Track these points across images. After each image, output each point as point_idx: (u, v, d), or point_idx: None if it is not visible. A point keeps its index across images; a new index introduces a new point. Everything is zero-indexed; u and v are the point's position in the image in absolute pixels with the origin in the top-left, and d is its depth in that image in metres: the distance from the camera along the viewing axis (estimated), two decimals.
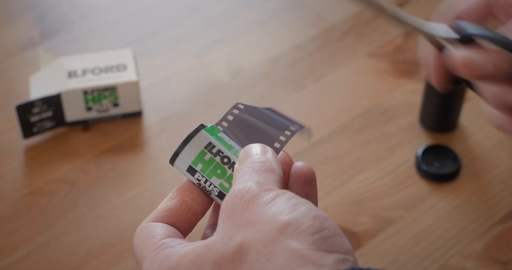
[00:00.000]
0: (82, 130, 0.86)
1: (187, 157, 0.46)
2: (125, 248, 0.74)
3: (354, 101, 0.88)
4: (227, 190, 0.45)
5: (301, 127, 0.47)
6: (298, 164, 0.46)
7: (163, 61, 0.94)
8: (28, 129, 0.83)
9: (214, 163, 0.45)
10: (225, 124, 0.47)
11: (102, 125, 0.86)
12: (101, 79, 0.84)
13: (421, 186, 0.79)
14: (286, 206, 0.38)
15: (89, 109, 0.85)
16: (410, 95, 0.89)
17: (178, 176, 0.80)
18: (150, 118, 0.87)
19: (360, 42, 0.96)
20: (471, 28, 0.54)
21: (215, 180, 0.45)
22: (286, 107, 0.88)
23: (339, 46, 0.95)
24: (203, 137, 0.46)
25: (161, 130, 0.86)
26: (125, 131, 0.86)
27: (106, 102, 0.85)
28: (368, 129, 0.85)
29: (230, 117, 0.47)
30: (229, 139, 0.47)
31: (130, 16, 1.00)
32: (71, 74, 0.85)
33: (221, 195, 0.45)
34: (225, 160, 0.45)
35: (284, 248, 0.37)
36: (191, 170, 0.46)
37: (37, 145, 0.84)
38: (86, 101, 0.84)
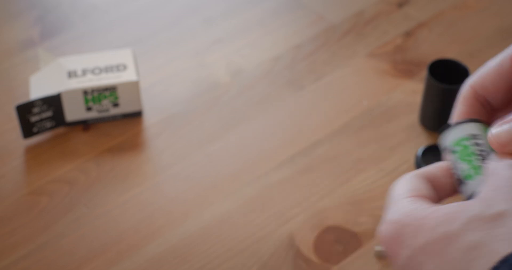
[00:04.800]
0: (82, 130, 0.86)
1: (456, 134, 0.47)
2: (125, 248, 0.74)
3: (354, 101, 0.88)
4: (470, 178, 0.46)
5: None
6: None
7: (163, 61, 0.94)
8: (28, 129, 0.83)
9: (469, 150, 0.47)
10: None
11: (102, 125, 0.86)
12: (101, 79, 0.84)
13: None
14: None
15: (89, 109, 0.85)
16: (410, 95, 0.89)
17: (178, 176, 0.80)
18: (150, 118, 0.87)
19: (360, 42, 0.96)
20: None
21: (464, 166, 0.46)
22: (286, 107, 0.88)
23: (339, 46, 0.95)
24: (476, 128, 0.47)
25: (161, 130, 0.85)
26: (125, 131, 0.86)
27: (106, 102, 0.85)
28: (368, 129, 0.85)
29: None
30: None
31: (130, 16, 1.00)
32: (71, 74, 0.85)
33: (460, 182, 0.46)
34: (484, 153, 0.47)
35: None
36: (450, 149, 0.47)
37: (37, 145, 0.84)
38: (86, 101, 0.84)
